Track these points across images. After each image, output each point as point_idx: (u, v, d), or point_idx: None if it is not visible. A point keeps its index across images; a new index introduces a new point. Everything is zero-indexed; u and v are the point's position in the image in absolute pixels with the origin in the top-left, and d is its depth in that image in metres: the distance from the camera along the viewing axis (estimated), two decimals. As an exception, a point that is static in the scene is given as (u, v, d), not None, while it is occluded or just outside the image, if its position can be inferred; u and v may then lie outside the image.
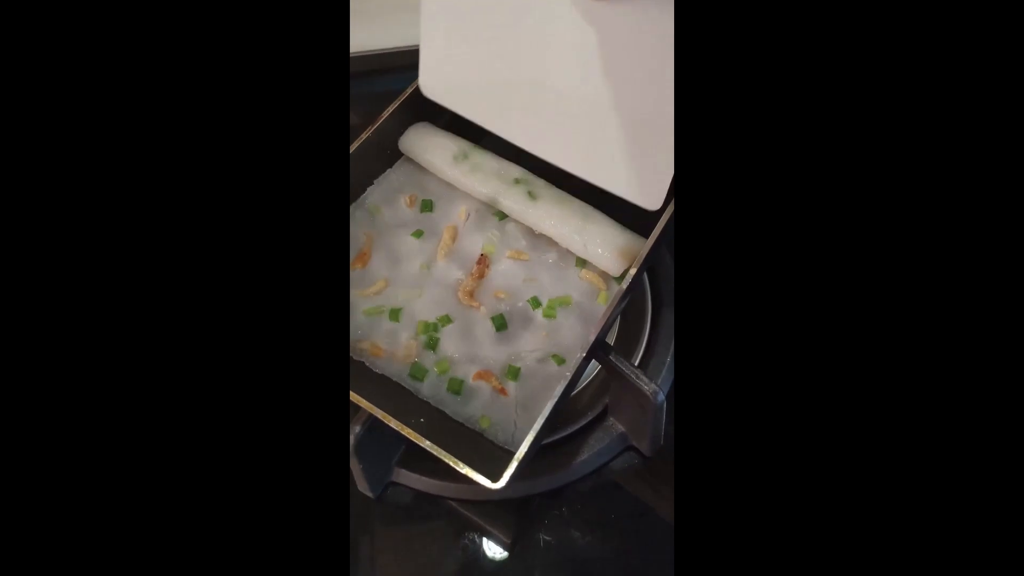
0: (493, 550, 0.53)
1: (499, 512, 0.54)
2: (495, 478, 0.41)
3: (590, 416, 0.55)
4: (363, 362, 0.50)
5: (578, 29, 0.47)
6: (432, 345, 0.50)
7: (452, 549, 0.53)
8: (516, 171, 0.56)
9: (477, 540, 0.53)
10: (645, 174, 0.48)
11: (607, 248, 0.52)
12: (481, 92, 0.53)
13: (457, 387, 0.49)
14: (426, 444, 0.43)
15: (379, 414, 0.44)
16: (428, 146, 0.57)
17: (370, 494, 0.53)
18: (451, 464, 0.42)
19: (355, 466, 0.51)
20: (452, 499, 0.54)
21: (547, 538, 0.53)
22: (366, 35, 0.76)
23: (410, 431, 0.43)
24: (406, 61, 0.57)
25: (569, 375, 0.44)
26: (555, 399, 0.43)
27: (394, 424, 0.44)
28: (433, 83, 0.55)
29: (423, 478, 0.54)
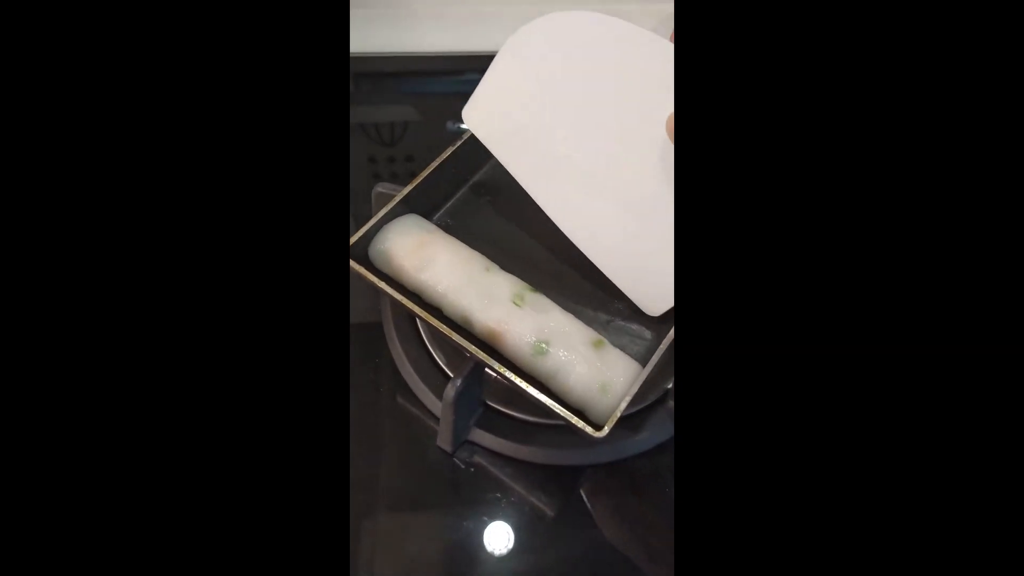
0: (546, 510, 0.58)
1: (554, 477, 0.59)
2: (598, 428, 0.47)
3: (651, 399, 0.60)
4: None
5: (639, 126, 0.51)
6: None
7: (510, 506, 0.57)
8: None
9: (533, 500, 0.58)
10: (655, 280, 0.52)
11: None
12: (523, 145, 0.54)
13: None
14: (531, 390, 0.48)
15: (491, 362, 0.49)
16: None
17: (448, 448, 0.58)
18: (559, 412, 0.47)
19: (447, 418, 0.55)
20: (519, 460, 0.59)
21: (597, 503, 0.58)
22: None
23: (521, 379, 0.48)
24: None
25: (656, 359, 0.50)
26: (651, 366, 0.49)
27: (511, 374, 0.48)
28: (478, 116, 0.56)
29: (498, 439, 0.59)
